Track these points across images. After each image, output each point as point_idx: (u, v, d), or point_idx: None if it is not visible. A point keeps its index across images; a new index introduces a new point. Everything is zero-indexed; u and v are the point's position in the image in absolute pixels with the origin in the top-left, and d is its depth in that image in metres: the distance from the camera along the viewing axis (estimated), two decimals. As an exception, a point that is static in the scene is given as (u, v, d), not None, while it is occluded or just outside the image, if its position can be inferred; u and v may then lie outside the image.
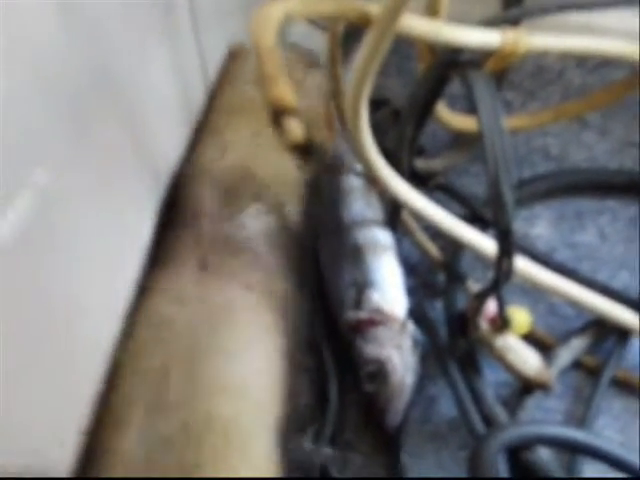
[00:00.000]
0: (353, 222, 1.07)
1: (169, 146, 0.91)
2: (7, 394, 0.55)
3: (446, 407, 1.06)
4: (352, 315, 1.00)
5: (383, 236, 1.06)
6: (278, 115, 0.66)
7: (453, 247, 1.09)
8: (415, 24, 0.74)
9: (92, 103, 0.67)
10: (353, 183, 1.10)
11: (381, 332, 0.97)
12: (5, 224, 0.54)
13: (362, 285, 1.01)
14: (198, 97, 0.98)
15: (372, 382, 0.97)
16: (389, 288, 1.01)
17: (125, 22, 0.72)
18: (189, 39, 0.90)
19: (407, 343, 0.97)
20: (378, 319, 0.98)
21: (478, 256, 0.97)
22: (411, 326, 0.99)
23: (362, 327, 0.99)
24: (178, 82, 0.90)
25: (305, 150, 0.68)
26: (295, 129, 0.66)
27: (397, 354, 0.96)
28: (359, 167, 1.08)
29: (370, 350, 0.98)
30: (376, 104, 1.17)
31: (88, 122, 0.66)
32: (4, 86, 0.51)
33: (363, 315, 0.99)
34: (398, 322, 0.98)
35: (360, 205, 1.08)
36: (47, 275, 0.61)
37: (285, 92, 0.66)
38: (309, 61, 0.98)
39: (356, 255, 1.04)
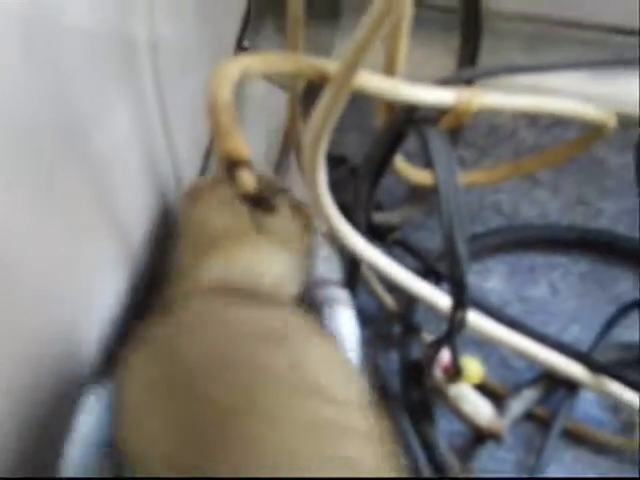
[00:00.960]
0: (311, 279, 1.08)
1: (132, 200, 0.92)
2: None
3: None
4: None
5: (341, 294, 1.07)
6: (231, 167, 0.68)
7: (408, 299, 1.10)
8: (372, 81, 0.77)
9: (52, 152, 0.68)
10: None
11: None
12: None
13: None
14: (161, 158, 1.00)
15: None
16: (346, 347, 1.01)
17: (89, 73, 0.73)
18: (151, 94, 0.92)
19: None
20: None
21: (432, 308, 0.99)
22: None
23: None
24: (140, 134, 0.91)
25: (256, 200, 0.69)
26: (247, 180, 0.67)
27: None
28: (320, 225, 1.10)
29: None
30: (335, 161, 1.20)
31: (51, 173, 0.68)
32: None
33: None
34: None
35: (319, 262, 1.09)
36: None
37: (238, 145, 0.68)
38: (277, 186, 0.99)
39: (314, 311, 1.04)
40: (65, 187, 0.71)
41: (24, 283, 0.65)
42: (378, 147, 0.94)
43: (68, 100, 0.69)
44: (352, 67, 0.66)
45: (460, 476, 0.99)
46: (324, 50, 0.84)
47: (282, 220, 0.90)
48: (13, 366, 0.66)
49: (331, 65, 0.75)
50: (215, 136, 0.69)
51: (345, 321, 1.02)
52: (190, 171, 1.14)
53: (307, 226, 0.94)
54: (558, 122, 1.28)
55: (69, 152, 0.71)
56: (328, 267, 1.09)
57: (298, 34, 0.90)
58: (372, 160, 0.96)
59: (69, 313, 0.76)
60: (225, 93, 0.70)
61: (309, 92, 0.95)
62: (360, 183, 0.98)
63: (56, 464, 0.69)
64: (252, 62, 0.73)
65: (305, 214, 0.94)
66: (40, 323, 0.69)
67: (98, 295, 0.85)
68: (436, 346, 0.98)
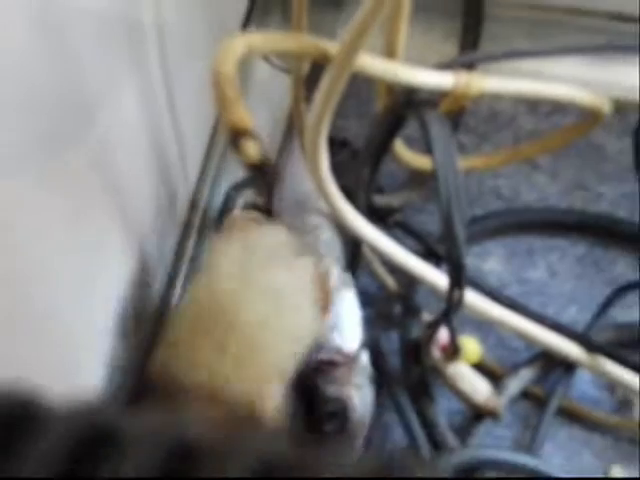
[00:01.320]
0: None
1: (137, 185, 0.94)
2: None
3: (400, 434, 1.09)
4: (313, 356, 1.01)
5: (343, 276, 1.08)
6: (236, 137, 0.70)
7: (409, 280, 1.12)
8: (372, 63, 0.79)
9: (61, 132, 0.70)
10: (315, 222, 1.13)
11: (341, 372, 0.99)
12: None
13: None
14: (167, 142, 1.01)
15: (332, 421, 0.99)
16: (349, 328, 1.02)
17: (96, 55, 0.74)
18: (158, 77, 0.93)
19: (365, 381, 1.00)
20: (338, 360, 0.99)
21: (433, 289, 1.01)
22: (366, 361, 1.01)
23: (323, 368, 1.00)
24: (146, 116, 0.92)
25: (260, 169, 0.71)
26: (251, 150, 0.69)
27: (357, 393, 0.98)
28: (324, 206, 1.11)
29: (331, 390, 0.99)
30: (337, 145, 1.21)
31: (56, 153, 0.69)
32: None
33: (324, 356, 1.00)
34: (358, 362, 1.00)
35: (322, 244, 1.11)
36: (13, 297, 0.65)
37: (243, 115, 0.70)
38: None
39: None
40: (72, 168, 0.73)
41: (26, 262, 0.67)
42: (378, 130, 0.96)
43: (76, 82, 0.71)
44: (353, 48, 0.68)
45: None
46: (327, 36, 0.86)
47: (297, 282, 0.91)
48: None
49: (333, 46, 0.77)
50: (220, 108, 0.71)
51: (347, 302, 1.04)
52: (195, 153, 1.15)
53: (324, 306, 0.94)
54: (557, 109, 1.30)
55: (76, 133, 0.73)
56: (330, 249, 1.10)
57: (302, 19, 0.91)
58: (372, 143, 0.98)
59: (70, 299, 0.78)
60: (229, 67, 0.72)
61: (313, 76, 0.96)
62: (361, 166, 1.00)
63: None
64: (256, 39, 0.75)
65: (325, 290, 0.94)
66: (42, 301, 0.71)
67: (102, 279, 0.87)
68: (434, 326, 1.00)
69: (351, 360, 0.99)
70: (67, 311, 0.76)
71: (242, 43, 0.74)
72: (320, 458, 0.21)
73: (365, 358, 1.01)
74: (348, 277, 1.08)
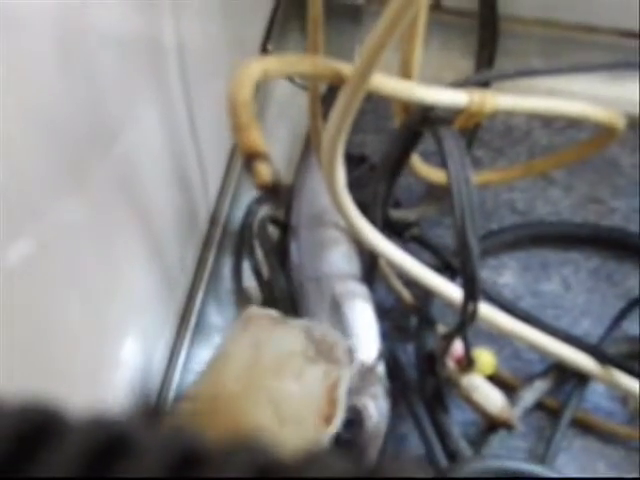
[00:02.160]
0: (332, 274, 1.11)
1: (160, 206, 0.96)
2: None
3: (415, 445, 1.11)
4: None
5: (360, 288, 1.09)
6: (250, 160, 0.71)
7: (425, 293, 1.14)
8: (387, 83, 0.80)
9: (87, 152, 0.72)
10: (333, 235, 1.15)
11: (357, 381, 0.98)
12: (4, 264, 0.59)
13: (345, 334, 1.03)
14: (188, 159, 1.04)
15: (348, 430, 1.00)
16: (366, 339, 1.04)
17: (119, 75, 0.77)
18: (179, 95, 0.95)
19: (381, 391, 1.00)
20: (355, 369, 0.99)
21: (448, 302, 1.03)
22: (382, 372, 1.03)
23: None
24: (167, 134, 0.94)
25: (273, 192, 0.72)
26: (264, 172, 0.71)
27: (372, 403, 0.98)
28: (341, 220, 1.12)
29: (347, 399, 0.98)
30: (356, 160, 1.23)
31: (83, 170, 0.71)
32: (3, 129, 0.56)
33: None
34: (374, 372, 1.00)
35: (339, 257, 1.12)
36: (44, 318, 0.67)
37: (256, 139, 0.71)
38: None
39: (333, 307, 1.07)
40: (97, 185, 0.75)
41: (57, 271, 0.69)
42: (395, 146, 0.97)
43: (99, 102, 0.73)
44: (367, 69, 0.70)
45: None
46: (346, 54, 0.87)
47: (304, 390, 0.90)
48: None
49: (347, 67, 0.78)
50: (235, 131, 0.72)
51: (364, 315, 1.05)
52: (216, 169, 1.17)
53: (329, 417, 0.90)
54: (572, 123, 1.31)
55: (101, 155, 0.75)
56: (347, 263, 1.12)
57: (318, 36, 0.93)
58: (389, 158, 0.99)
59: (96, 307, 0.80)
60: (246, 91, 0.73)
61: (331, 93, 0.98)
62: (377, 181, 1.01)
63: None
64: (272, 63, 0.77)
65: (332, 401, 0.91)
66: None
67: (127, 289, 0.89)
68: (449, 338, 1.01)
69: (367, 370, 1.00)
70: (91, 323, 0.78)
71: (258, 68, 0.75)
72: (311, 462, 0.22)
73: (381, 369, 1.02)
74: (365, 289, 1.09)
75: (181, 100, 0.96)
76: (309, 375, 0.88)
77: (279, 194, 0.79)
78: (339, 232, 1.13)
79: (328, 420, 0.87)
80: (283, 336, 0.92)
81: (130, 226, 0.86)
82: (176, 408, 0.90)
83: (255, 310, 0.96)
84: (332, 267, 1.11)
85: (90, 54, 0.69)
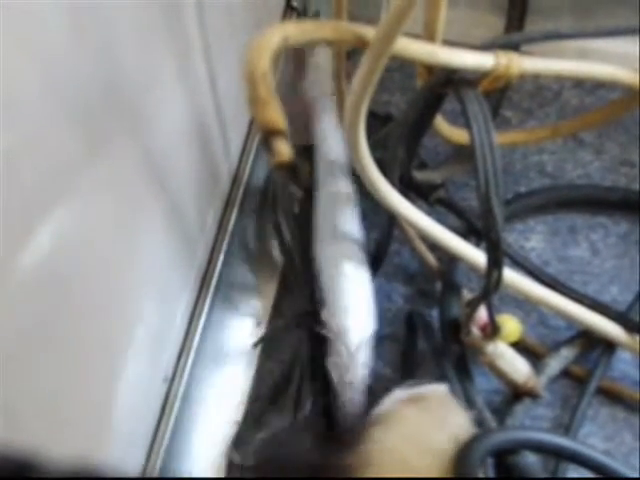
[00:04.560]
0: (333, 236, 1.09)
1: (180, 167, 0.95)
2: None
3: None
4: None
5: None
6: (268, 136, 0.69)
7: (450, 257, 1.12)
8: (410, 47, 0.78)
9: (105, 118, 0.70)
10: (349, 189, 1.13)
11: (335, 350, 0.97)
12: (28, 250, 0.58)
13: (321, 301, 1.02)
14: (209, 118, 1.02)
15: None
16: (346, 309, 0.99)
17: (137, 37, 0.75)
18: (200, 60, 0.94)
19: (357, 364, 0.97)
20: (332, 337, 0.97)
21: (472, 267, 1.01)
22: (365, 349, 1.00)
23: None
24: (188, 97, 0.93)
25: (291, 171, 0.70)
26: (282, 150, 0.68)
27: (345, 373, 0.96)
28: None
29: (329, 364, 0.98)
30: (382, 120, 1.21)
31: (101, 137, 0.70)
32: (19, 98, 0.55)
33: (323, 331, 0.99)
34: (349, 343, 0.97)
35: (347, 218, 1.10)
36: (63, 289, 0.66)
37: (274, 115, 0.69)
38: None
39: (320, 272, 1.04)
40: (116, 149, 0.73)
41: (75, 238, 0.68)
42: (415, 107, 0.95)
43: (116, 67, 0.71)
44: (390, 33, 0.67)
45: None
46: (372, 17, 0.85)
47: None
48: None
49: (370, 31, 0.76)
50: (252, 106, 0.70)
51: (355, 291, 1.02)
52: (237, 129, 1.16)
53: None
54: (603, 84, 1.28)
55: (119, 118, 0.73)
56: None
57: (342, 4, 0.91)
58: (408, 120, 0.97)
59: (116, 270, 0.79)
60: (264, 62, 0.71)
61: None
62: (396, 142, 0.99)
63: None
64: (291, 31, 0.74)
65: None
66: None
67: (148, 251, 0.88)
68: (473, 304, 0.99)
69: (343, 342, 0.96)
70: (111, 286, 0.77)
71: (277, 36, 0.72)
72: None
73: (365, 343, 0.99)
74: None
75: (201, 59, 0.94)
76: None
77: (298, 173, 0.76)
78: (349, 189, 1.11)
79: None
80: (450, 428, 0.90)
81: (150, 188, 0.85)
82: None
83: (427, 390, 0.93)
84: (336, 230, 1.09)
85: (106, 17, 0.67)
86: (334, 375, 0.95)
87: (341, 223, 1.07)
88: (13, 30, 0.52)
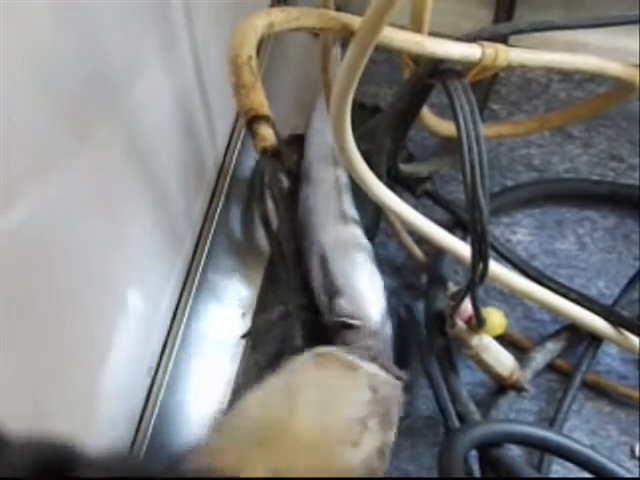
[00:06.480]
0: (334, 221, 1.09)
1: (165, 155, 0.94)
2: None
3: (424, 404, 1.10)
4: (327, 318, 1.02)
5: (360, 238, 1.07)
6: (252, 122, 0.69)
7: (436, 250, 1.11)
8: (396, 37, 0.78)
9: (89, 106, 0.70)
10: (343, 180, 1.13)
11: (351, 336, 0.98)
12: (5, 223, 0.57)
13: (333, 291, 1.02)
14: (195, 107, 1.01)
15: None
16: (362, 292, 1.01)
17: (122, 26, 0.74)
18: (185, 48, 0.93)
19: (378, 346, 0.98)
20: (348, 324, 0.98)
21: (457, 259, 1.01)
22: (388, 328, 1.01)
23: (335, 329, 1.00)
24: (174, 87, 0.92)
25: (275, 156, 0.70)
26: (267, 135, 0.68)
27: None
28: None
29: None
30: (370, 111, 1.21)
31: (85, 126, 0.69)
32: (4, 83, 0.54)
33: (335, 319, 1.00)
34: (369, 326, 0.98)
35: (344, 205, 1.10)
36: (42, 273, 0.65)
37: (259, 100, 0.69)
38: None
39: (327, 258, 1.04)
40: (101, 139, 0.73)
41: (60, 227, 0.67)
42: (401, 98, 0.95)
43: (102, 55, 0.71)
44: (377, 22, 0.67)
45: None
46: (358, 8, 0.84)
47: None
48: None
49: (356, 20, 0.75)
50: (236, 91, 0.70)
51: (364, 272, 1.03)
52: (223, 120, 1.15)
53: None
54: (591, 77, 1.28)
55: (105, 105, 0.73)
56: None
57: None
58: (394, 111, 0.96)
59: (100, 260, 0.79)
60: (249, 48, 0.70)
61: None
62: (382, 134, 0.98)
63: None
64: (276, 17, 0.74)
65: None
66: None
67: (133, 242, 0.88)
68: (458, 297, 0.99)
69: (361, 325, 0.97)
70: (95, 276, 0.77)
71: (262, 22, 0.72)
72: None
73: (386, 323, 1.00)
74: (364, 239, 1.07)
75: (187, 48, 0.94)
76: (365, 446, 0.82)
77: (282, 159, 0.76)
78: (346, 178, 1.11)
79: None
80: (351, 392, 0.87)
81: (135, 177, 0.85)
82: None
83: (330, 352, 0.92)
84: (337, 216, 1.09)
85: (90, 6, 0.67)
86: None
87: (346, 208, 1.08)
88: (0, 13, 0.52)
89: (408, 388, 0.93)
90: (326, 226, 1.07)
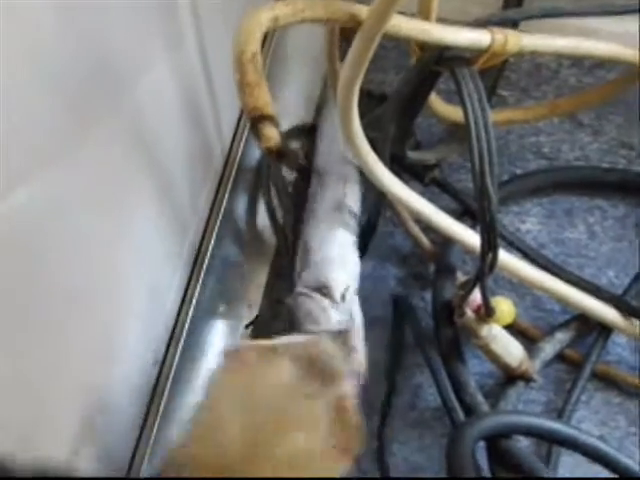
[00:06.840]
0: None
1: (171, 147, 0.93)
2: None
3: (431, 395, 1.09)
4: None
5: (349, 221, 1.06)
6: (256, 121, 0.67)
7: (444, 239, 1.10)
8: (404, 25, 0.76)
9: (93, 102, 0.69)
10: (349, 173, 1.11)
11: (312, 306, 0.95)
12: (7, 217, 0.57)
13: (303, 261, 1.01)
14: (202, 99, 1.00)
15: None
16: (329, 267, 0.99)
17: (127, 22, 0.73)
18: (192, 41, 0.92)
19: (338, 317, 0.94)
20: (311, 295, 0.96)
21: (465, 248, 1.00)
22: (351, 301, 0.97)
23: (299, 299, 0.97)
24: (180, 77, 0.91)
25: (280, 156, 0.68)
26: (271, 136, 0.67)
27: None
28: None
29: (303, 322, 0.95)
30: (377, 99, 1.19)
31: (89, 121, 0.68)
32: (5, 82, 0.53)
33: (296, 290, 0.98)
34: (329, 298, 0.95)
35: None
36: (42, 267, 0.64)
37: (263, 100, 0.68)
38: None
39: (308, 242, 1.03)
40: (108, 130, 0.72)
41: (66, 218, 0.67)
42: (407, 85, 0.93)
43: (108, 47, 0.70)
44: (384, 11, 0.66)
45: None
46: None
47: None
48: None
49: (363, 10, 0.74)
50: (240, 90, 0.69)
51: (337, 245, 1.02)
52: (230, 109, 1.14)
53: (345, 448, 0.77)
54: (602, 63, 1.26)
55: (110, 99, 0.72)
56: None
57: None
58: (400, 98, 0.95)
59: (107, 250, 0.78)
60: (253, 45, 0.69)
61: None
62: (388, 121, 0.97)
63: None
64: (281, 11, 0.72)
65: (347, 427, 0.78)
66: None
67: (139, 231, 0.87)
68: (466, 287, 0.98)
69: (323, 296, 0.95)
70: (102, 265, 0.76)
71: (267, 16, 0.71)
72: None
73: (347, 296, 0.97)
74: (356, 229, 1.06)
75: (193, 39, 0.93)
76: (311, 416, 0.78)
77: (286, 158, 0.74)
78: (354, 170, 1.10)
79: (347, 450, 0.80)
80: (274, 377, 0.81)
81: (141, 168, 0.84)
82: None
83: (237, 348, 0.87)
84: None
85: (96, 3, 0.66)
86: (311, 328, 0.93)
87: (347, 201, 1.07)
88: (1, 11, 0.51)
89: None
90: (320, 214, 1.05)
